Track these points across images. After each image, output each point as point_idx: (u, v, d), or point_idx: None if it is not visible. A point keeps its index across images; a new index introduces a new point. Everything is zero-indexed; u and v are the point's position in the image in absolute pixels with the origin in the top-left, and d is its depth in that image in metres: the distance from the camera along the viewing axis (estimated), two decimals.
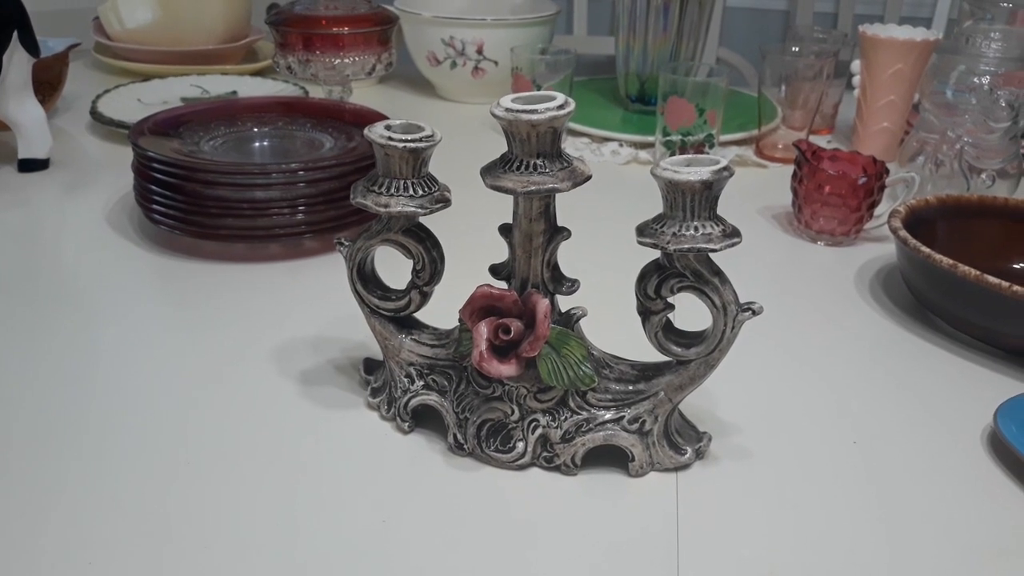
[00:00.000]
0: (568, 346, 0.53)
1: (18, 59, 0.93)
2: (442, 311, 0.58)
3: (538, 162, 0.51)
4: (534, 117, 0.49)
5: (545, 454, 0.55)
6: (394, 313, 0.58)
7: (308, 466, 0.55)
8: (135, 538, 0.49)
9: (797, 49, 1.07)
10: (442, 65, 1.26)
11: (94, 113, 1.10)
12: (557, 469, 0.55)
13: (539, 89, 1.05)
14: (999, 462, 0.57)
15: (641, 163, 1.08)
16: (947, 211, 0.80)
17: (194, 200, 0.77)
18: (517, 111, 0.49)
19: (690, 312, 0.55)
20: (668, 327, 0.54)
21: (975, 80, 0.89)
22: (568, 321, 0.54)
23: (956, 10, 1.50)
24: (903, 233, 0.72)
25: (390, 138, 0.52)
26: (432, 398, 0.57)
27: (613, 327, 0.57)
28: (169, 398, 0.61)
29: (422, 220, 0.56)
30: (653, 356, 0.55)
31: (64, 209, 0.91)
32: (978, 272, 0.65)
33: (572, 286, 0.54)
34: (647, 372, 0.55)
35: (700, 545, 0.50)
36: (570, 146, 1.10)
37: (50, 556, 0.47)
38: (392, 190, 0.54)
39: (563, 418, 0.54)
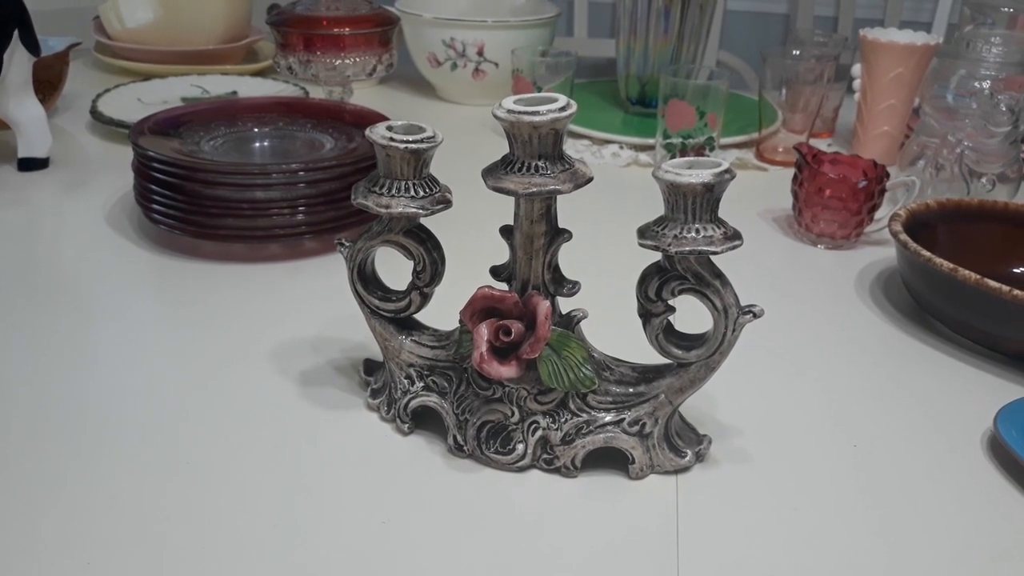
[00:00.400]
0: (569, 348, 0.53)
1: (18, 58, 0.92)
2: (443, 312, 0.58)
3: (539, 164, 0.50)
4: (536, 119, 0.49)
5: (545, 456, 0.55)
6: (394, 314, 0.58)
7: (307, 467, 0.55)
8: (134, 538, 0.49)
9: (798, 52, 1.07)
10: (443, 66, 1.26)
11: (94, 112, 1.09)
12: (557, 471, 0.55)
13: (539, 91, 1.05)
14: (999, 466, 0.57)
15: (641, 165, 1.08)
16: (947, 215, 0.80)
17: (194, 200, 0.77)
18: (519, 112, 0.49)
19: (691, 315, 0.55)
20: (669, 329, 0.54)
21: (975, 84, 0.89)
22: (569, 323, 0.54)
23: (957, 14, 1.51)
24: (903, 237, 0.72)
25: (391, 139, 0.52)
26: (432, 399, 0.57)
27: (614, 329, 0.57)
28: (168, 398, 0.61)
29: (423, 221, 0.56)
30: (654, 358, 0.54)
31: (64, 208, 0.91)
32: (978, 276, 0.65)
33: (573, 288, 0.54)
34: (648, 374, 0.55)
35: (700, 548, 0.50)
36: (570, 148, 1.10)
37: (48, 555, 0.47)
38: (393, 191, 0.54)
39: (563, 420, 0.54)
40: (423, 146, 0.53)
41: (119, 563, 0.47)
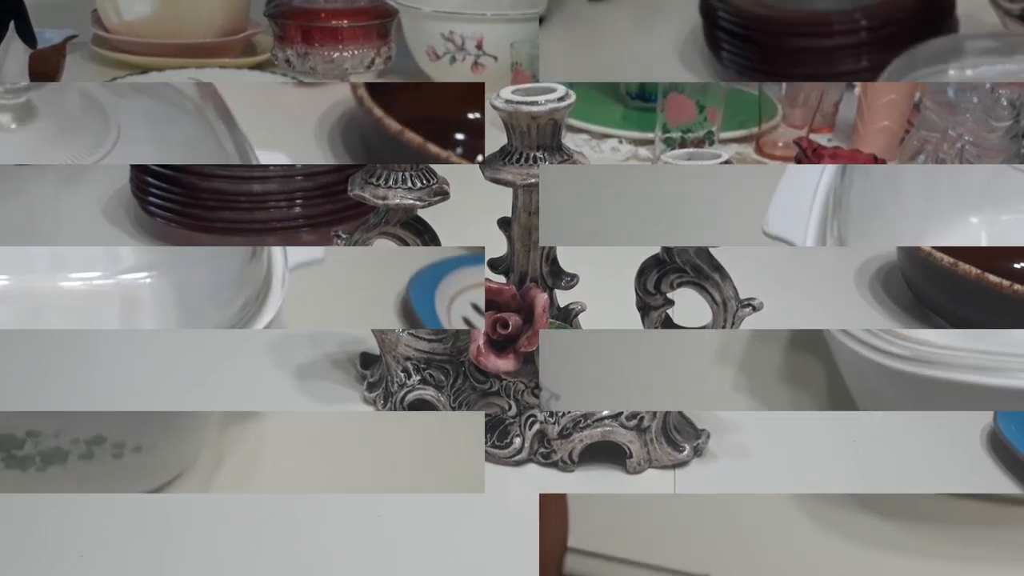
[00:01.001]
0: None
1: (14, 50, 0.92)
2: None
3: (538, 155, 0.50)
4: (535, 109, 0.48)
5: (542, 450, 0.55)
6: None
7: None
8: (129, 529, 0.49)
9: None
10: (441, 60, 1.26)
11: None
12: (555, 465, 0.55)
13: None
14: (999, 461, 0.57)
15: (640, 160, 1.08)
16: None
17: (191, 192, 0.77)
18: (517, 103, 0.49)
19: (691, 307, 0.55)
20: (667, 323, 0.53)
21: None
22: (567, 316, 0.53)
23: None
24: None
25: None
26: (429, 393, 0.57)
27: (612, 323, 0.56)
28: (165, 390, 0.61)
29: (420, 213, 0.56)
30: None
31: (60, 201, 0.90)
32: (979, 271, 0.65)
33: (571, 281, 0.54)
34: None
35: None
36: (569, 143, 1.09)
37: (43, 547, 0.47)
38: (390, 182, 0.53)
39: (561, 414, 0.54)
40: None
41: (115, 555, 0.47)
